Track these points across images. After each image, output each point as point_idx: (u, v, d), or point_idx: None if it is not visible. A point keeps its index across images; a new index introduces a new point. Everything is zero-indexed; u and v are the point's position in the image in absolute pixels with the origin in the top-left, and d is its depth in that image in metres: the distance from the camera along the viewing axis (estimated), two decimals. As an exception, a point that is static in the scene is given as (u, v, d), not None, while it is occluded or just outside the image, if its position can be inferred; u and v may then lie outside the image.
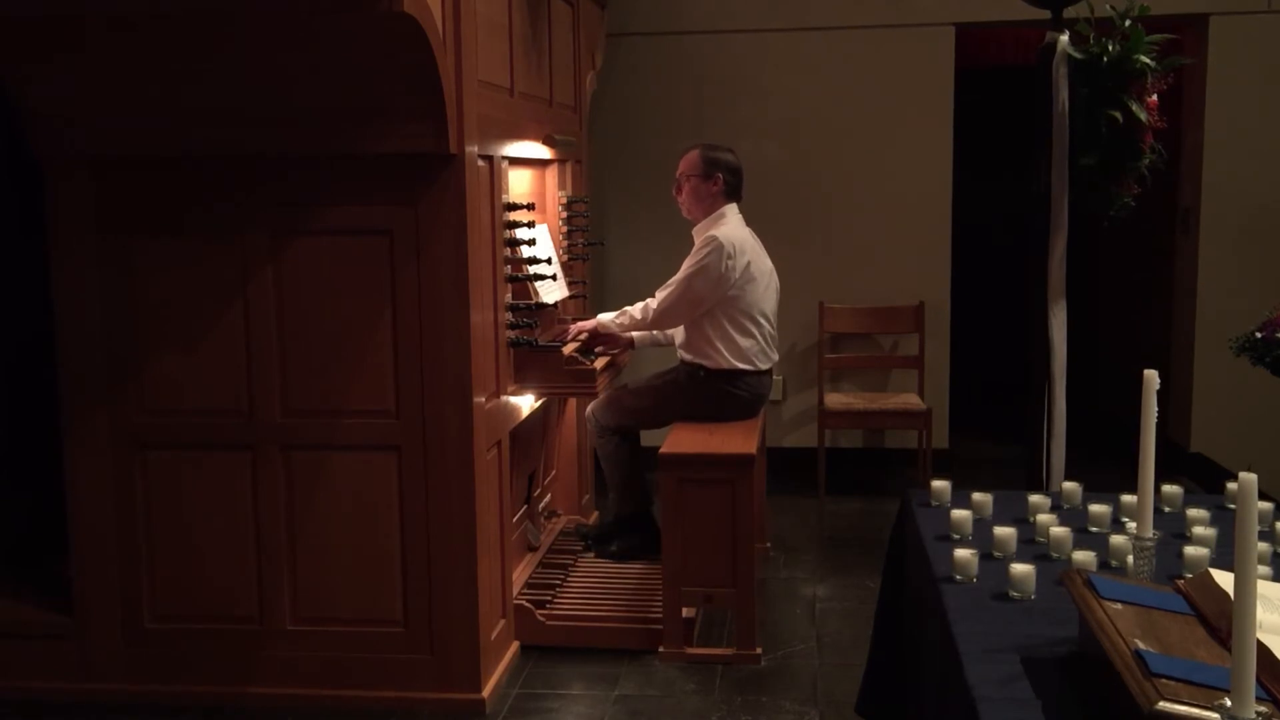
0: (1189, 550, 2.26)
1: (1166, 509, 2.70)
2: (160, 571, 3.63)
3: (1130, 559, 2.23)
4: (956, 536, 2.52)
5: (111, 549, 3.62)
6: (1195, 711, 1.50)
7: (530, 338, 3.96)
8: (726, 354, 4.32)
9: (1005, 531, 2.43)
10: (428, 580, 3.53)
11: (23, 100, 3.41)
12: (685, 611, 3.94)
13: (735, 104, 5.97)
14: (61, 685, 3.65)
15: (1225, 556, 2.26)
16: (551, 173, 4.71)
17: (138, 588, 3.63)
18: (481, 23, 3.57)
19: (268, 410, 3.53)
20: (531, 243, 4.04)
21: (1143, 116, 3.50)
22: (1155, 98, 3.55)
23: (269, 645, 3.61)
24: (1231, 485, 2.72)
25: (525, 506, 4.51)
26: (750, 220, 4.50)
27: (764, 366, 4.43)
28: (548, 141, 4.34)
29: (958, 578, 2.27)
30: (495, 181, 3.73)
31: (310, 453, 3.54)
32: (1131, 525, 2.44)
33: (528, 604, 4.00)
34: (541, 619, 3.99)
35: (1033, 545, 2.48)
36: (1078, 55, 3.53)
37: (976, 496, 2.71)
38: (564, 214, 4.75)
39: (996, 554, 2.40)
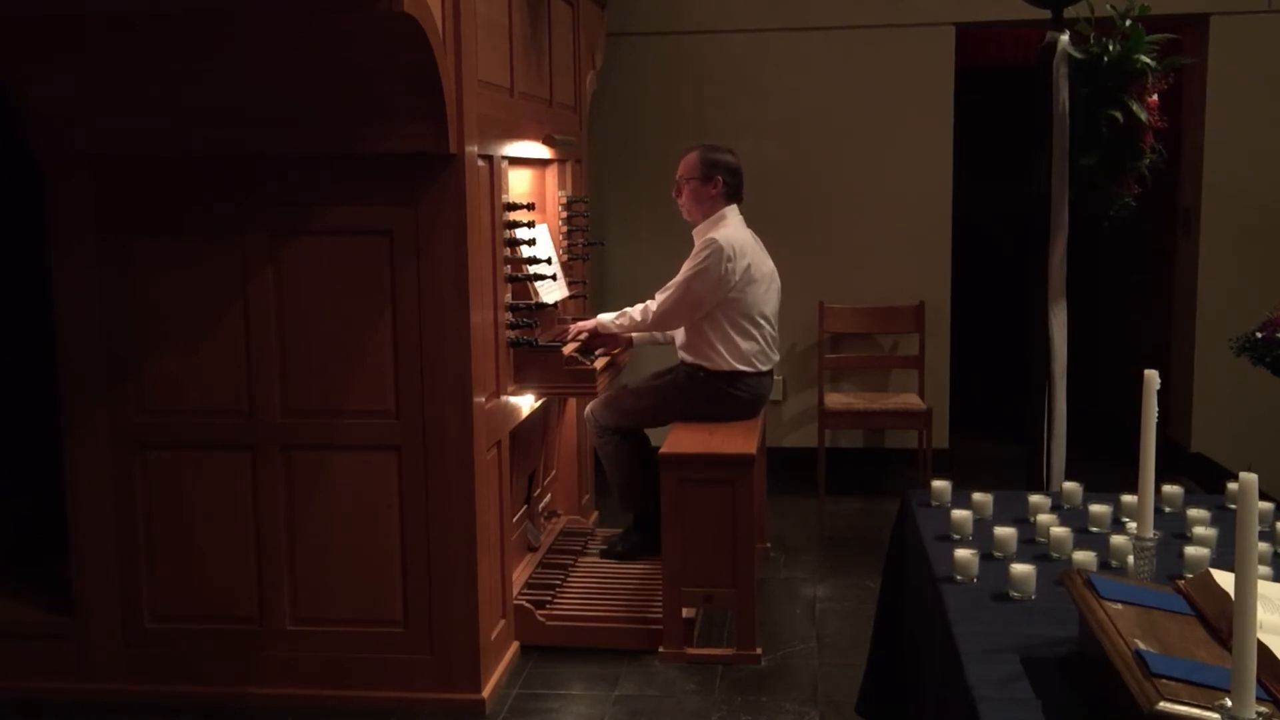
0: (1189, 550, 2.26)
1: (1167, 509, 2.70)
2: (160, 571, 3.63)
3: (1130, 559, 2.23)
4: (957, 536, 2.52)
5: (111, 549, 3.62)
6: (1195, 712, 1.49)
7: (530, 338, 3.96)
8: (727, 356, 4.32)
9: (1005, 531, 2.43)
10: (428, 580, 3.53)
11: (23, 100, 3.41)
12: (685, 611, 3.94)
13: (735, 104, 5.97)
14: (61, 685, 3.65)
15: (1225, 557, 2.26)
16: (551, 173, 4.71)
17: (137, 588, 3.63)
18: (481, 23, 3.57)
19: (268, 410, 3.53)
20: (531, 243, 4.04)
21: (1143, 116, 3.50)
22: (1155, 98, 3.54)
23: (269, 645, 3.61)
24: (1232, 485, 2.73)
25: (525, 506, 4.51)
26: (750, 221, 4.50)
27: (764, 368, 4.43)
28: (548, 141, 4.34)
29: (958, 578, 2.27)
30: (495, 181, 3.73)
31: (310, 453, 3.54)
32: (1132, 525, 2.44)
33: (528, 604, 4.00)
34: (541, 619, 3.99)
35: (1033, 545, 2.48)
36: (1078, 55, 3.52)
37: (977, 496, 2.71)
38: (564, 214, 4.75)
39: (997, 554, 2.40)
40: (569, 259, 4.77)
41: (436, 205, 3.40)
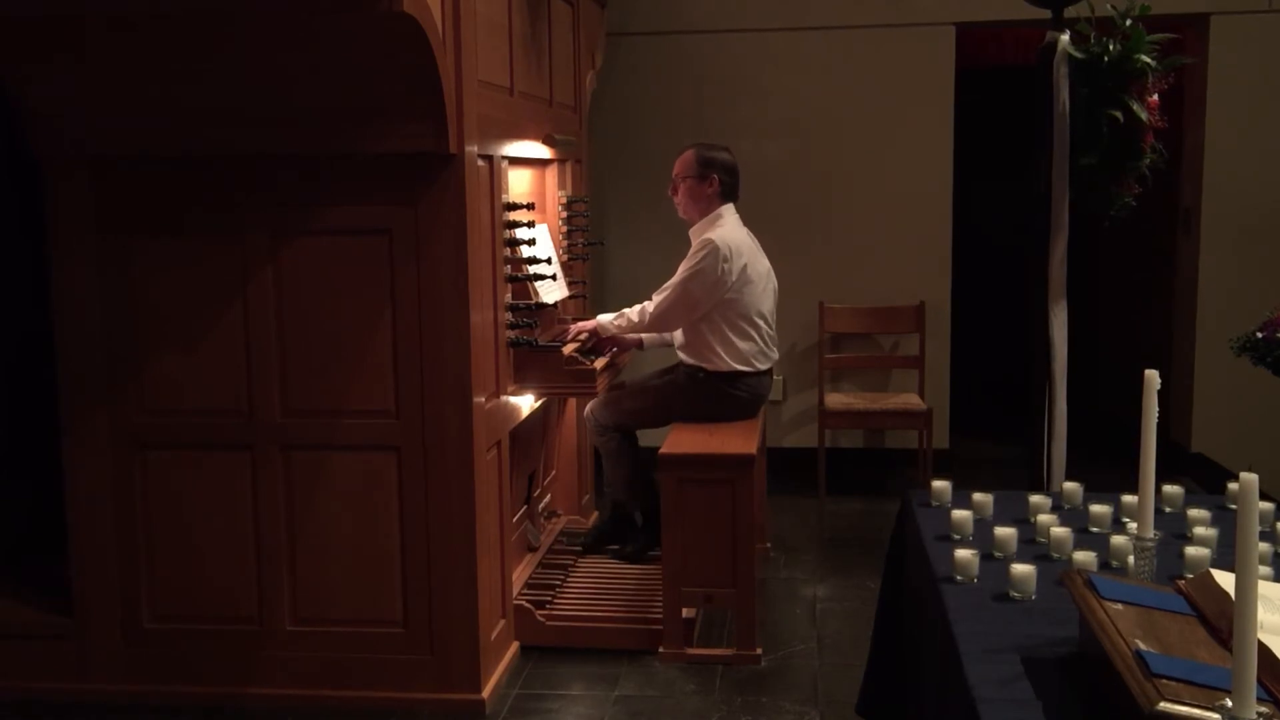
0: (1190, 550, 2.26)
1: (1167, 509, 2.70)
2: (160, 571, 3.63)
3: (1131, 559, 2.22)
4: (957, 537, 2.52)
5: (111, 549, 3.62)
6: (1196, 712, 1.49)
7: (530, 338, 3.96)
8: (726, 356, 4.32)
9: (1006, 532, 2.43)
10: (428, 580, 3.53)
11: (23, 100, 3.41)
12: (685, 612, 3.94)
13: (735, 104, 5.97)
14: (61, 685, 3.65)
15: (1226, 557, 2.26)
16: (551, 172, 4.70)
17: (137, 588, 3.63)
18: (481, 23, 3.57)
19: (268, 410, 3.53)
20: (531, 243, 4.04)
21: (1143, 116, 3.49)
22: (1156, 97, 3.54)
23: (269, 646, 3.61)
24: (1232, 485, 2.72)
25: (525, 506, 4.51)
26: (750, 220, 4.50)
27: (763, 367, 4.43)
28: (548, 141, 4.34)
29: (958, 578, 2.27)
30: (495, 181, 3.73)
31: (310, 453, 3.54)
32: (1132, 525, 2.43)
33: (528, 604, 4.00)
34: (541, 619, 3.99)
35: (1033, 545, 2.48)
36: (1078, 55, 3.52)
37: (977, 497, 2.71)
38: (564, 214, 4.75)
39: (997, 554, 2.40)
40: (569, 259, 4.77)
41: (436, 205, 3.40)
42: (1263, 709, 1.45)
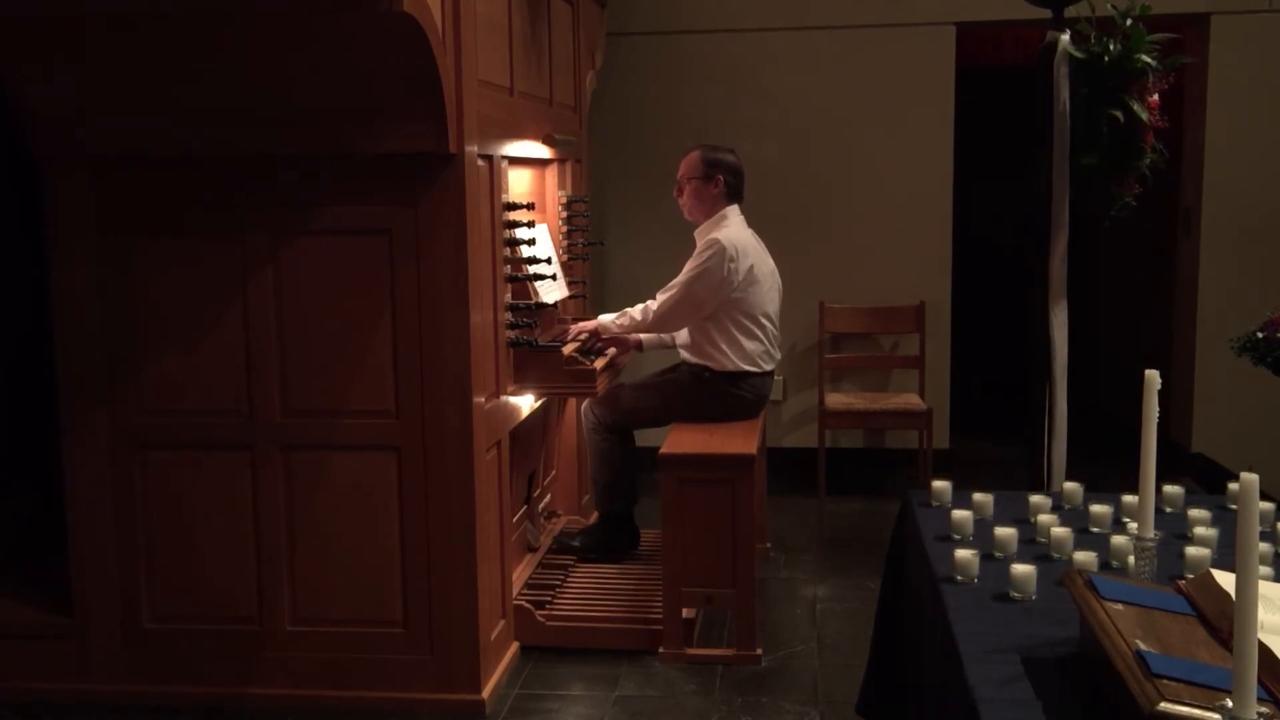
0: (1190, 551, 2.26)
1: (1168, 509, 2.70)
2: (160, 572, 3.63)
3: (1131, 559, 2.22)
4: (957, 537, 2.52)
5: (111, 549, 3.62)
6: (1196, 712, 1.49)
7: (530, 338, 3.96)
8: (732, 356, 4.32)
9: (1006, 532, 2.43)
10: (427, 580, 3.53)
11: (23, 100, 3.41)
12: (685, 612, 3.94)
13: (735, 104, 5.97)
14: (61, 685, 3.65)
15: (1226, 557, 2.26)
16: (551, 172, 4.70)
17: (137, 588, 3.63)
18: (481, 23, 3.56)
19: (267, 410, 3.53)
20: (531, 242, 4.04)
21: (1144, 116, 3.49)
22: (1156, 97, 3.54)
23: (269, 646, 3.60)
24: (1233, 485, 2.72)
25: (525, 507, 4.51)
26: (751, 220, 4.50)
27: (768, 367, 4.43)
28: (548, 141, 4.34)
29: (958, 578, 2.27)
30: (495, 181, 3.73)
31: (310, 453, 3.54)
32: (1133, 526, 2.43)
33: (527, 604, 4.00)
34: (541, 619, 3.99)
35: (1033, 545, 2.48)
36: (1078, 55, 3.52)
37: (977, 497, 2.71)
38: (564, 214, 4.75)
39: (997, 554, 2.40)
40: (569, 259, 4.77)
41: (436, 205, 3.40)
42: (1263, 709, 1.45)
